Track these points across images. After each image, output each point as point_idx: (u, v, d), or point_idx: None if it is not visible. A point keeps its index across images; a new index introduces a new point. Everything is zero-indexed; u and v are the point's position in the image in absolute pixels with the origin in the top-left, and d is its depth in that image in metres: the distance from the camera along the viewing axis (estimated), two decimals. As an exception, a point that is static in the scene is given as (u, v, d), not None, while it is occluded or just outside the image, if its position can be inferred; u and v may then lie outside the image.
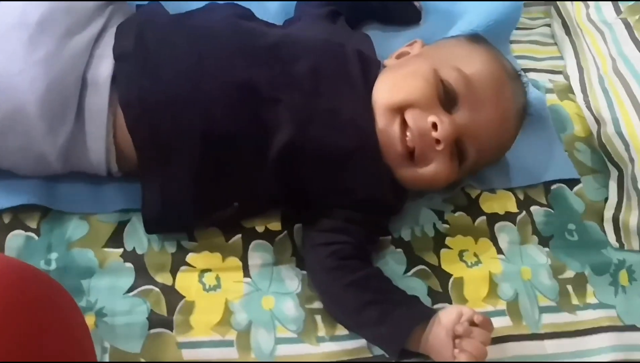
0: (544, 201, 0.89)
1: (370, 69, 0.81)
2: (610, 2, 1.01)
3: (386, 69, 0.82)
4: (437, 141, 0.74)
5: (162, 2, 0.84)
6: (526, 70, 1.00)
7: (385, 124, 0.75)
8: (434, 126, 0.73)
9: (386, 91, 0.77)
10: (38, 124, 0.68)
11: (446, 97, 0.75)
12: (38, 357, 0.49)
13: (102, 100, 0.71)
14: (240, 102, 0.73)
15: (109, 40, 0.75)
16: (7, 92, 0.68)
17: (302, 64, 0.77)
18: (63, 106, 0.70)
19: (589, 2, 1.04)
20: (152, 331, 0.71)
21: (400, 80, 0.78)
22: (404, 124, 0.75)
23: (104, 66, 0.72)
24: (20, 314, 0.50)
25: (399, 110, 0.75)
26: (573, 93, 1.00)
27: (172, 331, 0.72)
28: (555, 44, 1.09)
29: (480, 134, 0.76)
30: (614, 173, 0.91)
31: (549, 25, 1.11)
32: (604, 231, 0.88)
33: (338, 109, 0.76)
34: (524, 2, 1.05)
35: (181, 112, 0.72)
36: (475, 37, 0.84)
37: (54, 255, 0.74)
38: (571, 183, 0.91)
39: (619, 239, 0.86)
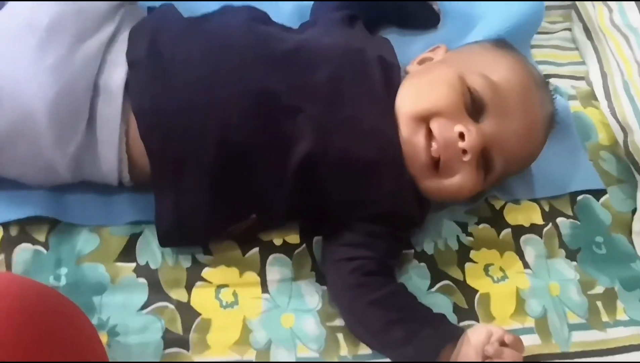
0: (570, 213, 0.86)
1: (392, 75, 0.78)
2: (635, 6, 0.98)
3: (409, 75, 0.79)
4: (464, 152, 0.71)
5: (175, 3, 0.81)
6: (548, 76, 0.96)
7: (409, 134, 0.72)
8: (461, 135, 0.70)
9: (410, 100, 0.74)
10: (47, 132, 0.65)
11: (473, 106, 0.72)
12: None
13: (115, 108, 0.68)
14: (258, 110, 0.70)
15: (121, 45, 0.72)
16: (15, 99, 0.65)
17: (322, 72, 0.74)
18: (73, 114, 0.67)
19: (612, 5, 1.01)
20: (168, 350, 0.68)
21: (425, 87, 0.75)
22: (429, 134, 0.72)
23: (116, 73, 0.69)
24: (33, 335, 0.47)
25: (424, 120, 0.72)
26: (597, 100, 0.98)
27: (188, 350, 0.69)
28: (577, 48, 1.06)
29: (507, 144, 0.73)
30: (642, 183, 0.88)
31: (569, 29, 1.08)
32: (632, 243, 0.85)
33: (360, 118, 0.73)
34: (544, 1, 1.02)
35: (196, 121, 0.69)
36: (501, 43, 0.81)
37: (63, 270, 0.71)
38: (597, 193, 0.88)
39: (648, 252, 0.84)
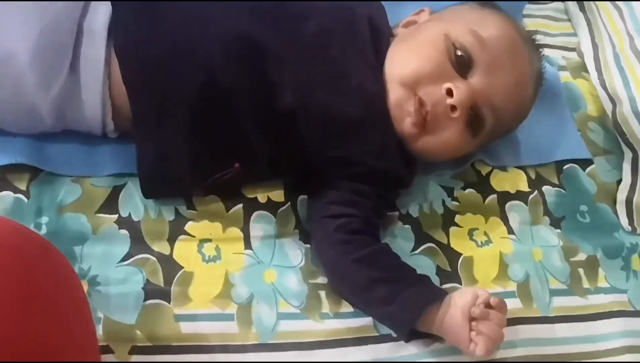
0: (556, 181, 0.86)
1: (380, 37, 0.77)
2: (629, -22, 0.98)
3: (396, 39, 0.79)
4: (453, 108, 0.70)
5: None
6: (539, 46, 0.96)
7: (398, 99, 0.72)
8: (449, 92, 0.70)
9: (398, 65, 0.74)
10: (29, 72, 0.64)
11: (460, 61, 0.72)
12: (36, 317, 0.46)
13: (99, 49, 0.67)
14: (243, 56, 0.69)
15: None
16: None
17: (310, 25, 0.73)
18: (57, 55, 0.65)
19: (606, -23, 1.01)
20: (148, 302, 0.68)
21: (411, 51, 0.74)
22: (417, 99, 0.71)
23: (100, 13, 0.68)
24: (16, 273, 0.46)
25: (412, 86, 0.71)
26: (587, 71, 0.97)
27: (169, 302, 0.68)
28: (569, 20, 1.05)
29: (497, 99, 0.73)
30: (628, 155, 0.88)
31: (562, 0, 1.07)
32: (616, 214, 0.85)
33: (347, 73, 0.73)
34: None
35: (179, 63, 0.67)
36: (487, 3, 0.80)
37: (44, 219, 0.69)
38: (584, 163, 0.89)
39: (631, 222, 0.84)
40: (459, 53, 0.71)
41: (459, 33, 0.72)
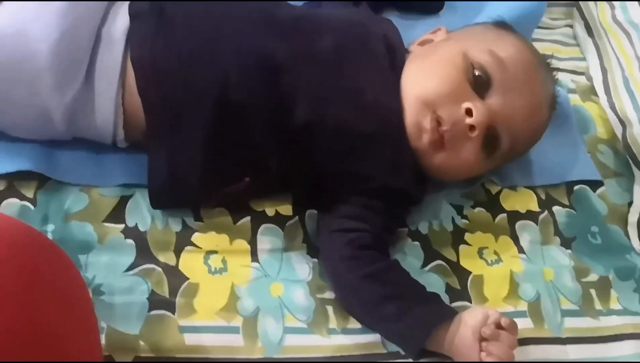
0: (566, 202, 0.85)
1: (395, 54, 0.78)
2: (637, 3, 0.98)
3: (412, 55, 0.79)
4: (471, 128, 0.70)
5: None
6: (553, 69, 0.96)
7: (416, 117, 0.71)
8: (468, 112, 0.70)
9: (417, 82, 0.73)
10: (47, 74, 0.64)
11: (479, 81, 0.71)
12: (41, 322, 0.45)
13: (115, 57, 0.67)
14: (258, 71, 0.69)
15: (124, 1, 0.71)
16: (19, 38, 0.63)
17: (326, 40, 0.73)
18: (75, 59, 0.65)
19: (614, 2, 1.02)
20: (153, 312, 0.66)
21: (430, 70, 0.74)
22: (436, 118, 0.71)
23: (119, 23, 0.68)
24: (22, 273, 0.45)
25: (431, 106, 0.71)
26: (596, 95, 0.98)
27: (174, 314, 0.67)
28: (577, 45, 1.06)
29: (514, 121, 0.72)
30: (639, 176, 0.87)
31: (570, 26, 1.08)
32: (627, 236, 0.84)
33: (361, 89, 0.72)
34: (546, 1, 1.02)
35: (195, 76, 0.67)
36: (502, 24, 0.81)
37: (50, 227, 0.69)
38: (594, 185, 0.88)
39: (643, 245, 0.83)
40: (477, 73, 0.71)
41: (477, 53, 0.72)
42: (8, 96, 0.65)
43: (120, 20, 0.68)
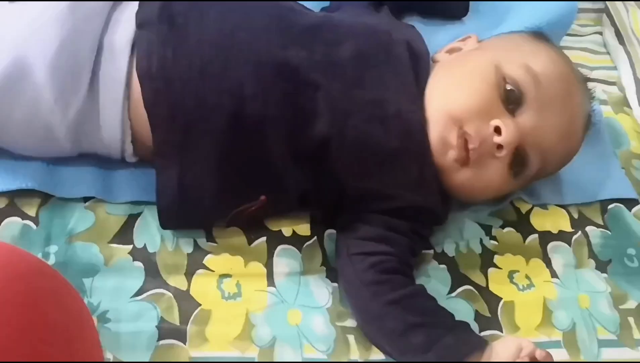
0: (600, 222, 0.80)
1: (420, 62, 0.73)
2: (673, 10, 0.94)
3: (439, 65, 0.74)
4: (499, 147, 0.65)
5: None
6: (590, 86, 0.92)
7: (441, 132, 0.67)
8: (497, 130, 0.65)
9: (443, 95, 0.69)
10: (46, 90, 0.60)
11: (510, 97, 0.67)
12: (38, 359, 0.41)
13: (120, 68, 0.63)
14: (275, 83, 0.65)
15: (129, 6, 0.67)
16: (16, 57, 0.60)
17: (346, 49, 0.68)
18: (76, 72, 0.61)
19: (647, 9, 0.97)
20: (162, 342, 0.62)
21: (459, 82, 0.69)
22: (462, 133, 0.66)
23: (123, 32, 0.64)
24: (23, 306, 0.42)
25: (458, 121, 0.66)
26: (629, 107, 0.93)
27: (184, 343, 0.63)
28: (608, 53, 1.01)
29: (545, 141, 0.68)
30: (678, 195, 0.82)
31: (599, 33, 1.03)
32: (666, 258, 0.79)
33: (383, 100, 0.68)
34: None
35: (207, 89, 0.63)
36: (539, 34, 0.76)
37: (53, 248, 0.65)
38: (629, 203, 0.83)
39: (684, 269, 0.78)
40: (510, 88, 0.66)
41: (510, 66, 0.67)
42: (10, 117, 0.61)
43: (124, 27, 0.64)
